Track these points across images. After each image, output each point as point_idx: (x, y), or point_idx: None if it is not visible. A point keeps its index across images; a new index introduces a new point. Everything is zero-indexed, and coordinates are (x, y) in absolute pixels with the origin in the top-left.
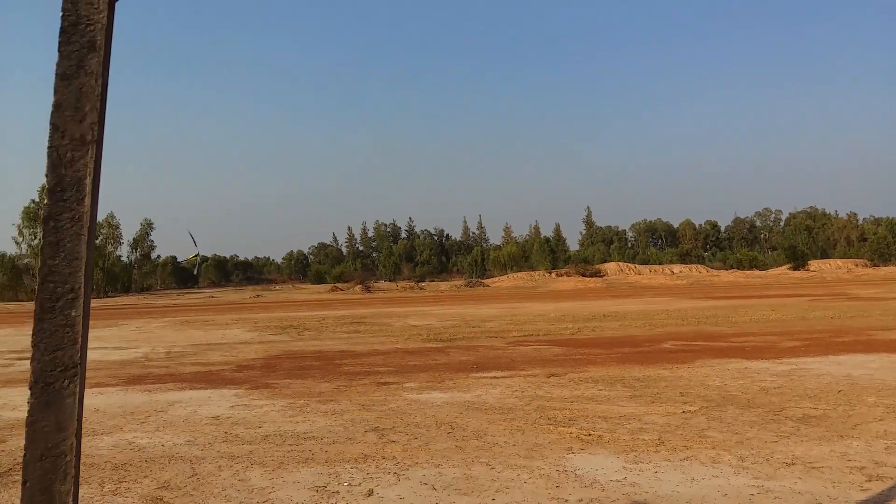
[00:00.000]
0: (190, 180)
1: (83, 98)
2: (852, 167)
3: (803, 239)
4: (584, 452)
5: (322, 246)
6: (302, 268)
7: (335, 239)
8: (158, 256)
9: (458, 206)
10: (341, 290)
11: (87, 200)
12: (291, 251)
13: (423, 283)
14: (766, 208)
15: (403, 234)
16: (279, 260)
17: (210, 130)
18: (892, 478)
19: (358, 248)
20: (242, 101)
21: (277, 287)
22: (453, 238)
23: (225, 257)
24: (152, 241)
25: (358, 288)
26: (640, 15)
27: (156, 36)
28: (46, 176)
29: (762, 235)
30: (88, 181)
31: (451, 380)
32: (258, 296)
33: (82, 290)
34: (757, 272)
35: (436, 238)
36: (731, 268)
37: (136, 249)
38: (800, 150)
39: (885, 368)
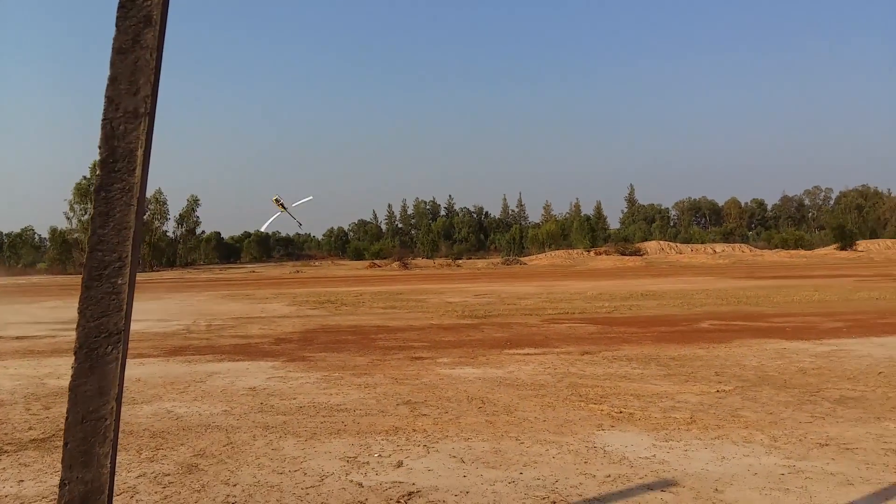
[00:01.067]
0: (235, 157)
1: (138, 72)
2: None
3: (853, 218)
4: (614, 429)
5: (362, 223)
6: (342, 244)
7: (375, 216)
8: (203, 232)
9: (498, 184)
10: (379, 266)
11: (138, 172)
12: (332, 228)
13: (461, 261)
14: (815, 186)
15: (443, 212)
16: (320, 237)
17: (253, 109)
18: None
19: (397, 225)
20: (280, 82)
21: (317, 263)
22: (492, 216)
23: (266, 234)
24: (198, 216)
25: (395, 265)
26: None
27: (201, 14)
28: (99, 147)
29: (810, 214)
30: (140, 153)
31: (484, 356)
32: (298, 271)
33: (129, 259)
34: (802, 252)
35: (475, 216)
36: (776, 247)
37: (182, 225)
38: (853, 127)
39: None
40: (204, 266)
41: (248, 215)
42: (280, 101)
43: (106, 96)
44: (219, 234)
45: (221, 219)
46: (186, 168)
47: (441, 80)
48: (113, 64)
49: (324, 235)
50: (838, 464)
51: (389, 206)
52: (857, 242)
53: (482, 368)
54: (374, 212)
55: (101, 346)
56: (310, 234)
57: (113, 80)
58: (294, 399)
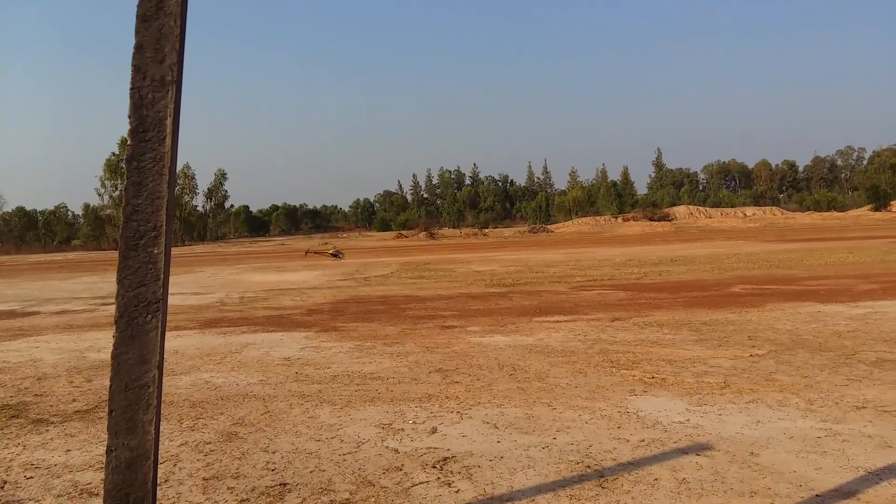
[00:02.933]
0: (264, 130)
1: (163, 39)
2: None
3: (887, 178)
4: (646, 395)
5: (388, 194)
6: (368, 216)
7: (400, 187)
8: (231, 206)
9: (523, 151)
10: (406, 237)
11: (168, 141)
12: (358, 199)
13: (487, 230)
14: (848, 146)
15: (468, 181)
16: (346, 208)
17: (277, 85)
18: None
19: (422, 195)
20: (306, 56)
21: (345, 235)
22: (518, 184)
23: (295, 206)
24: (226, 190)
25: (422, 235)
26: None
27: None
28: (129, 117)
29: (843, 175)
30: (169, 122)
31: (513, 324)
32: (326, 243)
33: (164, 228)
34: (836, 214)
35: (500, 184)
36: (808, 210)
37: (211, 199)
38: (886, 83)
39: None
40: (234, 240)
41: (276, 189)
42: (305, 72)
43: (133, 65)
44: (247, 207)
45: (249, 192)
46: (212, 142)
47: (462, 49)
48: (138, 32)
49: (350, 207)
50: (876, 426)
51: (414, 175)
52: (893, 203)
53: (512, 336)
54: (399, 182)
55: (140, 315)
56: (337, 206)
57: (139, 48)
58: (328, 368)
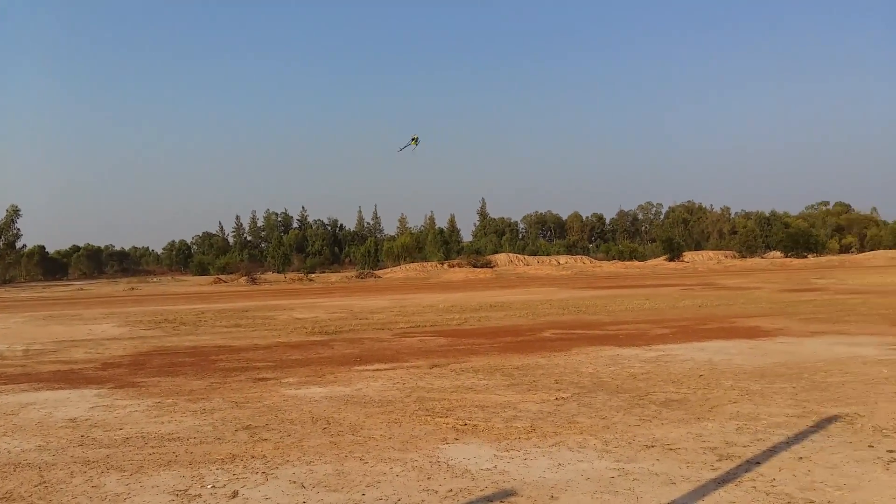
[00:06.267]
0: (63, 164)
1: None
2: (728, 164)
3: (680, 231)
4: (458, 442)
5: (207, 236)
6: (184, 259)
7: (221, 228)
8: (24, 246)
9: (353, 196)
10: (225, 282)
11: None
12: (173, 241)
13: (313, 275)
14: (648, 202)
15: (295, 224)
16: (160, 250)
17: (86, 111)
18: (740, 457)
19: (246, 238)
20: (123, 86)
21: (155, 279)
22: (347, 228)
23: (99, 247)
24: (18, 229)
25: (243, 280)
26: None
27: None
28: None
29: (643, 227)
30: None
31: (332, 373)
32: (133, 288)
33: None
34: (636, 263)
35: (329, 228)
36: (613, 258)
37: (0, 238)
38: (679, 145)
39: (743, 354)
40: (25, 283)
41: (80, 228)
42: (118, 105)
43: None
44: (43, 248)
45: (47, 231)
46: (4, 176)
47: (294, 91)
48: None
49: (164, 249)
50: (663, 464)
51: (238, 217)
52: (684, 254)
53: (329, 387)
54: (220, 223)
55: None
56: (148, 248)
57: None
58: (120, 430)
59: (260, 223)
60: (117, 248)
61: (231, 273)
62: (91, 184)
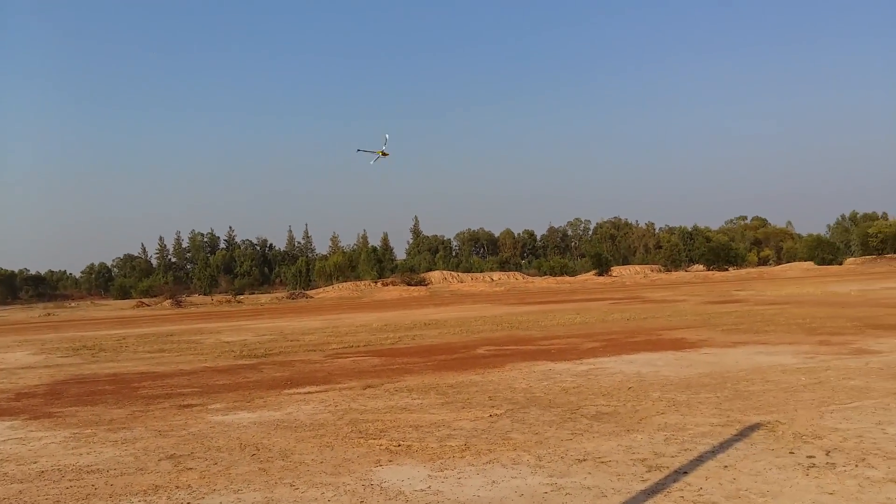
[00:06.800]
0: None
1: None
2: (652, 180)
3: (608, 247)
4: (392, 464)
5: (129, 258)
6: (104, 282)
7: (144, 250)
8: None
9: (283, 215)
10: (148, 305)
11: None
12: (92, 264)
13: (242, 297)
14: (577, 218)
15: (222, 245)
16: (78, 274)
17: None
18: (668, 467)
19: (170, 259)
20: (45, 101)
21: (73, 304)
22: (277, 248)
23: (11, 271)
24: None
25: (167, 303)
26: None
27: None
28: None
29: (573, 243)
30: None
31: (261, 398)
32: (49, 314)
33: None
34: (567, 278)
35: (258, 248)
36: (545, 274)
37: None
38: (607, 162)
39: (670, 365)
40: None
41: None
42: (28, 124)
43: None
44: None
45: None
46: None
47: (216, 107)
48: None
49: (82, 273)
50: (594, 477)
51: (161, 238)
52: (612, 268)
53: (258, 412)
54: (142, 245)
55: None
56: (66, 272)
57: None
58: (35, 463)
59: (185, 244)
60: (32, 271)
61: (154, 296)
62: (1, 205)
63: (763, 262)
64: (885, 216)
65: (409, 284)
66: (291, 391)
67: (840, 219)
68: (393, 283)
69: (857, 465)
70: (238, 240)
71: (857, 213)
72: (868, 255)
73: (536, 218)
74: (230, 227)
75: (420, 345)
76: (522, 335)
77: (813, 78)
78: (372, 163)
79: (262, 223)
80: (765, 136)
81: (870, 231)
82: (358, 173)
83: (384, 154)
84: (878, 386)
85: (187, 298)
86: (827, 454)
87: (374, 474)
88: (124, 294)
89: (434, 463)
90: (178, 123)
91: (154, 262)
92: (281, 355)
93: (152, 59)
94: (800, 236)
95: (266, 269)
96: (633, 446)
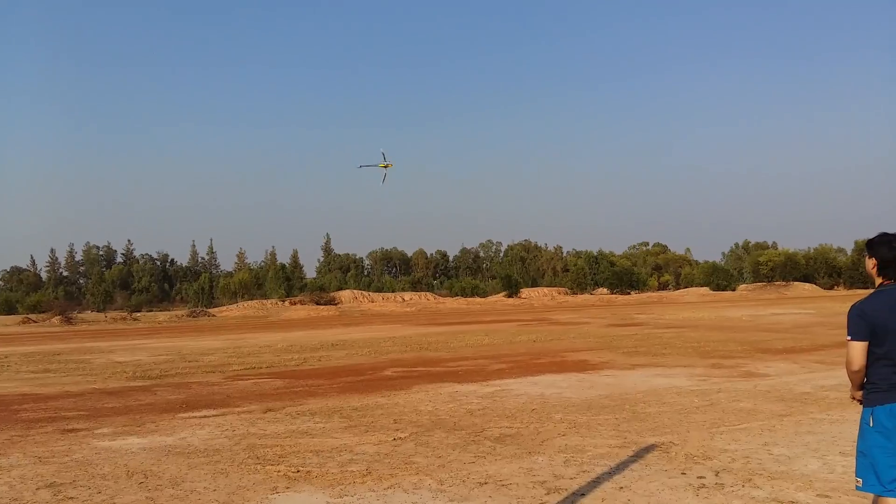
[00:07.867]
0: None
1: None
2: (561, 204)
3: (518, 269)
4: (289, 490)
5: (16, 270)
6: None
7: (33, 263)
8: None
9: (186, 230)
10: (35, 322)
11: None
12: None
13: (139, 314)
14: (488, 240)
15: (119, 259)
16: None
17: None
18: (566, 489)
19: (62, 273)
20: None
21: None
22: (179, 263)
23: None
24: None
25: (56, 319)
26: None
27: None
28: None
29: (485, 265)
30: None
31: (153, 422)
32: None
33: None
34: (478, 299)
35: (158, 263)
36: (456, 295)
37: None
38: (518, 189)
39: (573, 387)
40: None
41: None
42: None
43: None
44: None
45: None
46: None
47: (113, 112)
48: None
49: None
50: (495, 501)
51: (53, 251)
52: (522, 290)
53: (149, 437)
54: (31, 257)
55: None
56: None
57: None
58: None
59: (78, 257)
60: None
61: (43, 312)
62: None
63: (663, 286)
64: (774, 245)
65: (317, 304)
66: (186, 415)
67: (734, 247)
68: (301, 303)
69: (743, 486)
70: (136, 254)
71: (750, 242)
72: (759, 282)
73: (449, 238)
74: (128, 241)
75: (326, 366)
76: (431, 356)
77: (713, 111)
78: (382, 182)
79: (163, 237)
80: (669, 166)
81: (761, 259)
82: (267, 187)
83: (388, 166)
84: (764, 408)
85: (79, 315)
86: (716, 475)
87: (269, 502)
88: (9, 309)
89: (333, 489)
90: (74, 129)
91: (44, 275)
92: (177, 377)
93: (46, 60)
94: (697, 263)
95: (166, 286)
96: (533, 469)
